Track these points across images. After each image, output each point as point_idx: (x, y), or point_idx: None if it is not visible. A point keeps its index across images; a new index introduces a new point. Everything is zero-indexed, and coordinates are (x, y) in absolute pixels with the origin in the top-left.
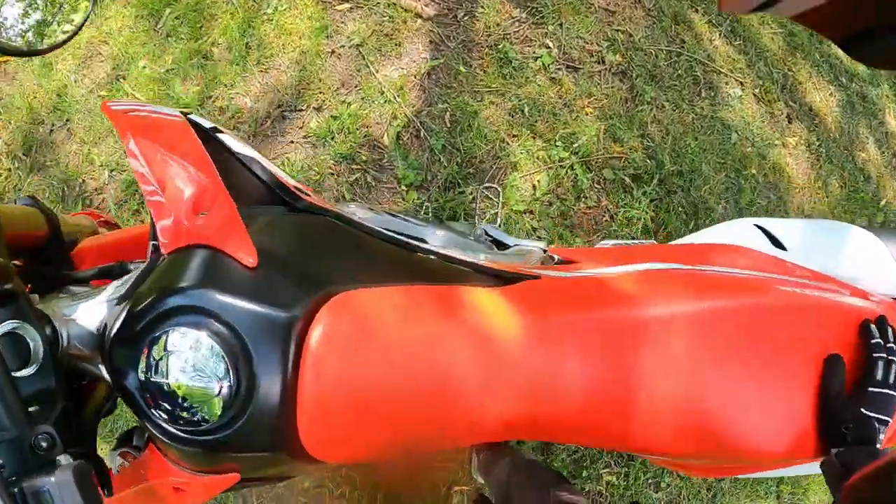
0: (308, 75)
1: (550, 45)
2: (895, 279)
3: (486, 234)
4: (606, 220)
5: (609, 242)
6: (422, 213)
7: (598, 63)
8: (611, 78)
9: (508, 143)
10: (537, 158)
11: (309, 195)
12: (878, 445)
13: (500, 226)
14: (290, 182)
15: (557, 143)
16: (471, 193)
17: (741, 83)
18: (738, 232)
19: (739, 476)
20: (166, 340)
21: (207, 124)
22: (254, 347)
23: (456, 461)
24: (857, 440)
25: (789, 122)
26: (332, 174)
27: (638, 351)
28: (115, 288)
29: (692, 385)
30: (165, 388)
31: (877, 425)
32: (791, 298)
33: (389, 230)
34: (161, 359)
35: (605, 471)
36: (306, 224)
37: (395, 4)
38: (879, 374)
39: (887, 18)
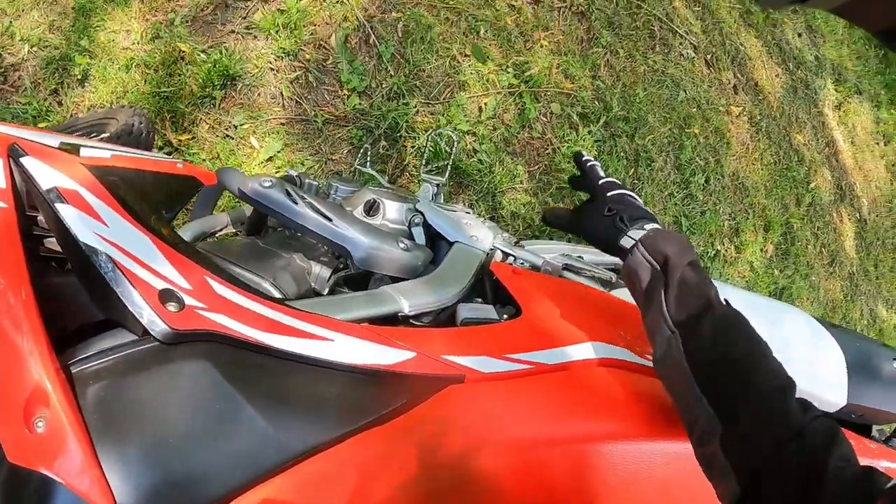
0: None
1: None
2: (837, 402)
3: (424, 220)
4: (549, 153)
5: (560, 258)
6: (367, 161)
7: (560, 0)
8: (570, 16)
9: (459, 62)
10: (487, 81)
11: (183, 302)
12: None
13: (445, 180)
14: (157, 284)
15: (509, 69)
16: (415, 107)
17: (695, 46)
18: None
19: None
20: None
21: (47, 181)
22: None
23: None
24: (633, 218)
25: (735, 93)
26: (273, 70)
27: (566, 475)
28: None
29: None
30: None
31: (629, 198)
32: None
33: (298, 223)
34: None
35: None
36: (169, 391)
37: None
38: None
39: None
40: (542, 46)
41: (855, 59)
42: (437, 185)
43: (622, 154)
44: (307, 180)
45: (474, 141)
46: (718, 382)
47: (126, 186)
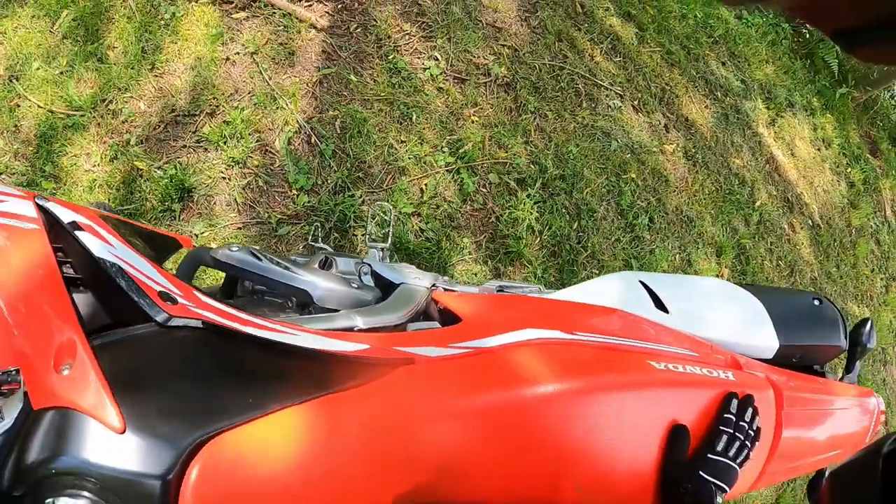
0: (202, 81)
1: (439, 57)
2: (770, 346)
3: (372, 270)
4: (493, 222)
5: (494, 284)
6: (319, 237)
7: (484, 75)
8: (496, 89)
9: (397, 149)
10: (424, 163)
11: (176, 300)
12: None
13: (388, 245)
14: (155, 287)
15: (444, 149)
16: (360, 197)
17: (621, 95)
18: (624, 289)
19: None
20: None
21: (67, 217)
22: None
23: None
24: (694, 501)
25: (667, 132)
26: (224, 178)
27: (513, 432)
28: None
29: (554, 465)
30: None
31: (713, 489)
32: (661, 378)
33: (262, 276)
34: None
35: None
36: (169, 349)
37: (290, 15)
38: (720, 446)
39: (883, 13)
40: (473, 122)
41: (783, 74)
42: (382, 250)
43: (563, 210)
44: (267, 255)
45: (420, 221)
46: None
47: (124, 229)
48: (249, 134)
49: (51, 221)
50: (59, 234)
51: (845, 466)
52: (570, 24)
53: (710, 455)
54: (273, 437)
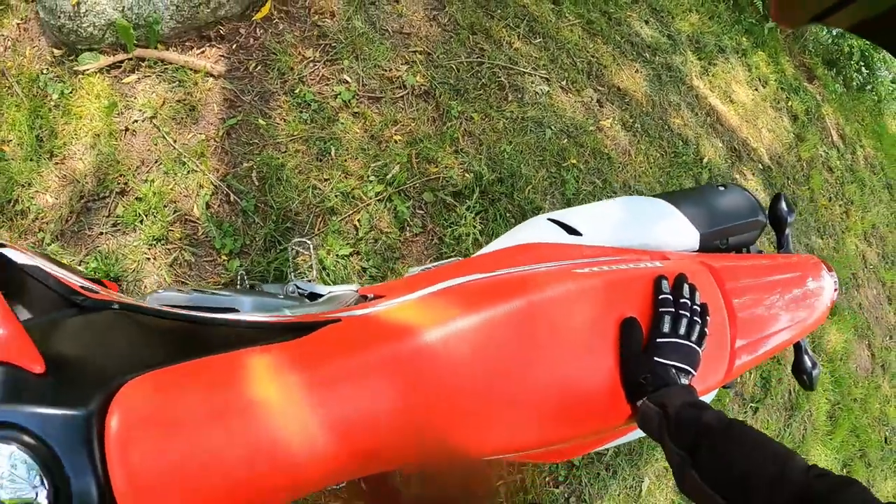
0: (105, 159)
1: (349, 79)
2: (691, 237)
3: (298, 289)
4: (435, 243)
5: (417, 269)
6: (246, 281)
7: (400, 88)
8: (414, 101)
9: (321, 189)
10: (353, 198)
11: (98, 292)
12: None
13: (315, 277)
14: (76, 283)
15: (371, 178)
16: (293, 249)
17: (547, 79)
18: (534, 230)
19: (588, 452)
20: None
21: None
22: (61, 451)
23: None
24: (657, 388)
25: (601, 106)
26: (149, 259)
27: (432, 372)
28: None
29: (495, 386)
30: None
31: (674, 373)
32: (588, 279)
33: (190, 307)
34: None
35: (499, 483)
36: (90, 321)
37: (183, 67)
38: (666, 327)
39: None
40: (396, 142)
41: (708, 20)
42: (310, 282)
43: (508, 215)
44: (192, 287)
45: (360, 259)
46: (729, 488)
47: (50, 261)
48: (165, 206)
49: None
50: None
51: None
52: (482, 13)
53: (658, 339)
54: (190, 377)
